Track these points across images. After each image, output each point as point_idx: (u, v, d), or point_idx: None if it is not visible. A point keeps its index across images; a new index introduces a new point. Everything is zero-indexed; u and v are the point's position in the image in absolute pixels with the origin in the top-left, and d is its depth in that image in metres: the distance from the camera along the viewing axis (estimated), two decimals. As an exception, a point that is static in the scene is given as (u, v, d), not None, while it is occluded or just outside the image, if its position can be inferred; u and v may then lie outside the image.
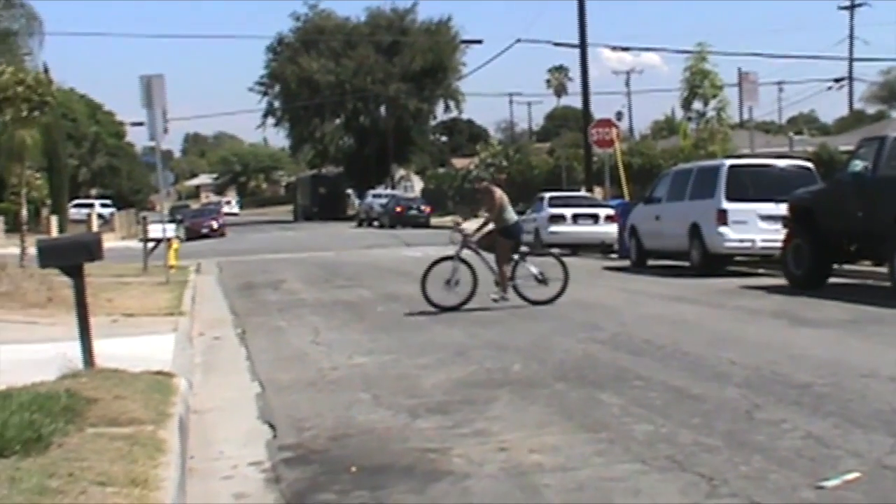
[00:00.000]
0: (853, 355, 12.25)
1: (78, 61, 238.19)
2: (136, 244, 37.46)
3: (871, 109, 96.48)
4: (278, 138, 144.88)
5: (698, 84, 43.53)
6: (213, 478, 8.00)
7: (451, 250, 19.05)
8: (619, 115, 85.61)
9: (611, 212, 34.05)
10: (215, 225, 65.70)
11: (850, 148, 23.84)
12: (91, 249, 11.11)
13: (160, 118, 25.86)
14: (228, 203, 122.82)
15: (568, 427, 9.06)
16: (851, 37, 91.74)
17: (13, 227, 42.00)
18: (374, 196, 76.63)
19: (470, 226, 19.08)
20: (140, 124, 44.71)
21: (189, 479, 7.74)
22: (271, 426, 9.67)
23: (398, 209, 67.07)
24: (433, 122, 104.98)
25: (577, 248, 34.79)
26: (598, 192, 44.02)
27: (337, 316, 18.33)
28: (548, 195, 37.39)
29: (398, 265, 31.35)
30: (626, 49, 65.61)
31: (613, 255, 32.31)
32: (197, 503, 7.31)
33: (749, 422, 8.99)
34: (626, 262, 28.52)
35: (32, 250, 17.56)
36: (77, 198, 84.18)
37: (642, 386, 10.74)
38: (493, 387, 11.07)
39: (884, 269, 18.90)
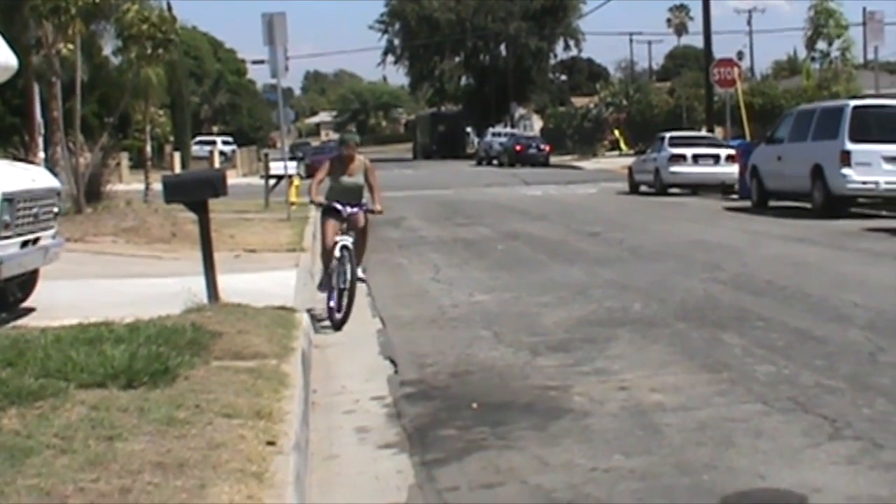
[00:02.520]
0: (982, 299, 12.02)
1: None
2: (257, 181, 37.93)
3: None
4: (398, 76, 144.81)
5: (823, 24, 42.84)
6: (336, 412, 8.13)
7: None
8: (741, 55, 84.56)
9: (731, 152, 33.57)
10: (335, 162, 65.92)
11: (982, 87, 23.21)
12: (216, 185, 11.27)
13: (282, 56, 26.02)
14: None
15: (689, 367, 9.04)
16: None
17: (137, 164, 42.66)
18: (494, 134, 76.37)
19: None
20: (261, 62, 45.26)
21: (312, 413, 7.87)
22: (392, 362, 9.79)
23: (517, 148, 66.73)
24: (553, 61, 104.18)
25: (697, 188, 34.48)
26: (718, 133, 43.44)
27: (457, 253, 18.40)
28: (668, 135, 36.93)
29: (517, 204, 31.33)
30: (749, -13, 64.37)
31: (734, 196, 31.87)
32: (320, 436, 7.42)
33: (873, 364, 8.90)
34: (747, 203, 28.15)
35: (157, 186, 17.88)
36: (199, 135, 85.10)
37: (764, 327, 10.66)
38: (613, 326, 11.06)
39: None
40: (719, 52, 49.13)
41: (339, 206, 12.39)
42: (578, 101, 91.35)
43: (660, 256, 17.02)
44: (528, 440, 7.08)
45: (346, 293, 11.79)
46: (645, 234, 20.92)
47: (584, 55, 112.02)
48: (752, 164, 28.33)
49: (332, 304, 11.80)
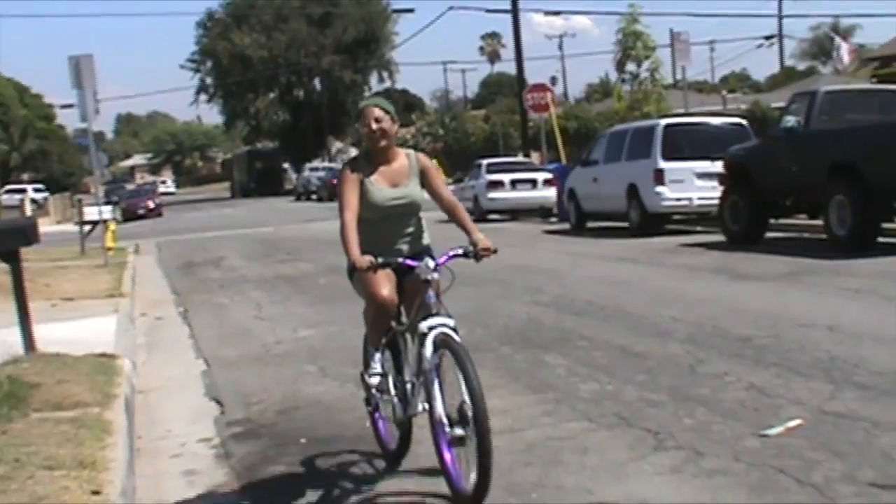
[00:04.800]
0: (791, 307, 12.42)
1: (2, 44, 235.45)
2: (71, 228, 37.16)
3: (802, 66, 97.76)
4: (212, 115, 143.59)
5: (631, 46, 43.74)
6: (162, 456, 7.99)
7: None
8: (554, 80, 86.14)
9: (549, 176, 34.12)
10: (152, 205, 65.20)
11: (782, 104, 24.05)
12: (27, 233, 11.02)
13: (91, 99, 25.54)
14: (164, 182, 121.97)
15: (515, 389, 9.12)
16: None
17: (-54, 216, 41.51)
18: (312, 170, 76.23)
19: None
20: (70, 106, 44.34)
21: (138, 459, 7.73)
22: (218, 402, 9.68)
23: (336, 182, 66.66)
24: (368, 93, 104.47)
25: (516, 213, 34.92)
26: (535, 157, 44.10)
27: (279, 290, 18.29)
28: (485, 162, 37.36)
29: (338, 237, 31.23)
30: (556, 13, 65.84)
31: (553, 219, 32.41)
32: (147, 482, 7.29)
33: (692, 376, 9.11)
34: (566, 226, 28.63)
35: (-33, 238, 17.34)
36: (9, 183, 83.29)
37: (586, 346, 10.83)
38: (438, 353, 11.09)
39: (819, 222, 19.10)
40: (533, 77, 50.15)
41: (413, 263, 6.74)
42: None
43: (481, 282, 17.14)
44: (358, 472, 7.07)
45: (468, 424, 5.97)
46: (466, 260, 21.02)
47: (399, 86, 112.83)
48: (569, 186, 28.82)
49: (446, 451, 6.29)
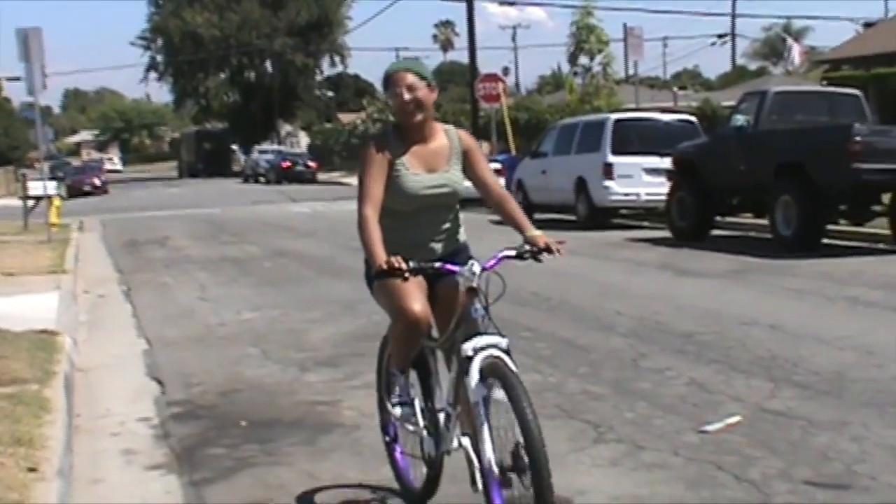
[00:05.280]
0: (735, 304, 12.51)
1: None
2: (15, 202, 36.83)
3: (753, 65, 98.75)
4: (162, 93, 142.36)
5: (584, 39, 43.90)
6: (101, 435, 7.93)
7: None
8: (506, 71, 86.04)
9: (497, 167, 34.04)
10: (98, 182, 64.59)
11: (733, 103, 24.23)
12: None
13: (38, 72, 25.28)
14: (111, 160, 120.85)
15: (457, 379, 9.12)
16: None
17: None
18: (260, 152, 75.89)
19: None
20: (17, 79, 43.74)
21: (76, 437, 7.66)
22: (159, 382, 9.62)
23: (284, 165, 66.55)
24: (319, 78, 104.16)
25: (464, 203, 34.82)
26: (485, 147, 44.01)
27: (224, 272, 18.21)
28: (434, 150, 37.28)
29: (285, 221, 31.20)
30: (511, 3, 65.56)
31: (500, 210, 32.40)
32: (85, 461, 7.23)
33: (634, 370, 9.16)
34: (513, 216, 28.60)
35: None
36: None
37: (530, 337, 10.83)
38: (381, 340, 11.08)
39: (764, 221, 19.26)
40: (485, 67, 50.04)
41: (454, 268, 5.54)
42: (346, 118, 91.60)
43: (428, 270, 17.15)
44: (297, 455, 7.06)
45: (525, 472, 5.00)
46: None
47: (351, 71, 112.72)
48: (517, 178, 28.85)
49: (496, 499, 5.13)
